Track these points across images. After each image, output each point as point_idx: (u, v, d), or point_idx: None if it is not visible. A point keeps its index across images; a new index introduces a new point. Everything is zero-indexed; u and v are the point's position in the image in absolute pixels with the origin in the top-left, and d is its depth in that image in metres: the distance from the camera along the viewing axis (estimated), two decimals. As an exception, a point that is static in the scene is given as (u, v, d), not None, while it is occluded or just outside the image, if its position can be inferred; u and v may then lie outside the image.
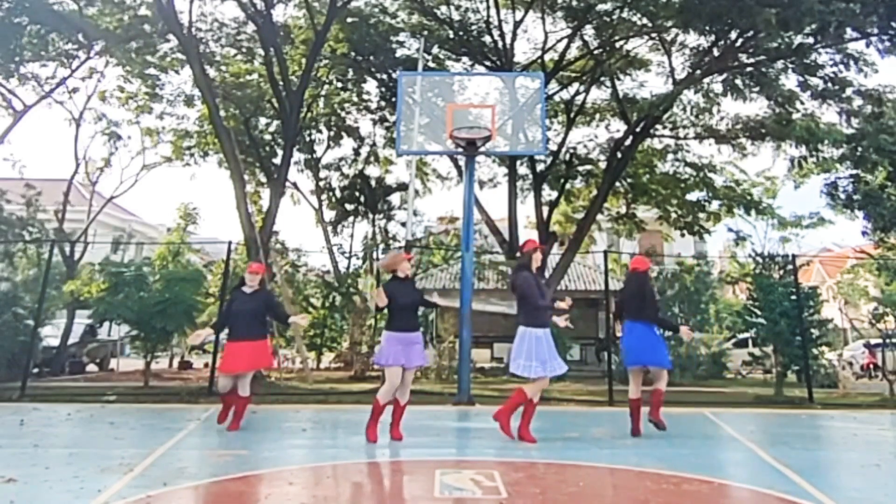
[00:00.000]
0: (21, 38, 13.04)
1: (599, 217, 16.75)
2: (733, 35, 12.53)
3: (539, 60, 15.55)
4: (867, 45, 12.46)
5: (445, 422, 7.60)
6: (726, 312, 20.09)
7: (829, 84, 13.26)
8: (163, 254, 14.54)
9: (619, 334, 6.69)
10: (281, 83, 13.60)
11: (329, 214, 20.29)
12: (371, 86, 17.67)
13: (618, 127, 16.65)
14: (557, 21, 15.21)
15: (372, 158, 20.18)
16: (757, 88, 13.41)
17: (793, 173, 14.73)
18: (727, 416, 8.18)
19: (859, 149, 12.61)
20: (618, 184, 16.11)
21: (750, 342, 14.06)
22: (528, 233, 18.42)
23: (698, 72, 13.77)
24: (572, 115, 16.20)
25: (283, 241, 17.59)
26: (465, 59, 16.49)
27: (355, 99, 18.40)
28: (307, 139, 18.86)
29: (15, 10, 12.56)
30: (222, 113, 14.29)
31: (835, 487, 4.42)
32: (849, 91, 13.32)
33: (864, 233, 13.57)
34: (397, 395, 5.81)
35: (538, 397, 6.01)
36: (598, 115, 17.16)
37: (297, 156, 18.72)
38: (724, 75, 13.62)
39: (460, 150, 9.66)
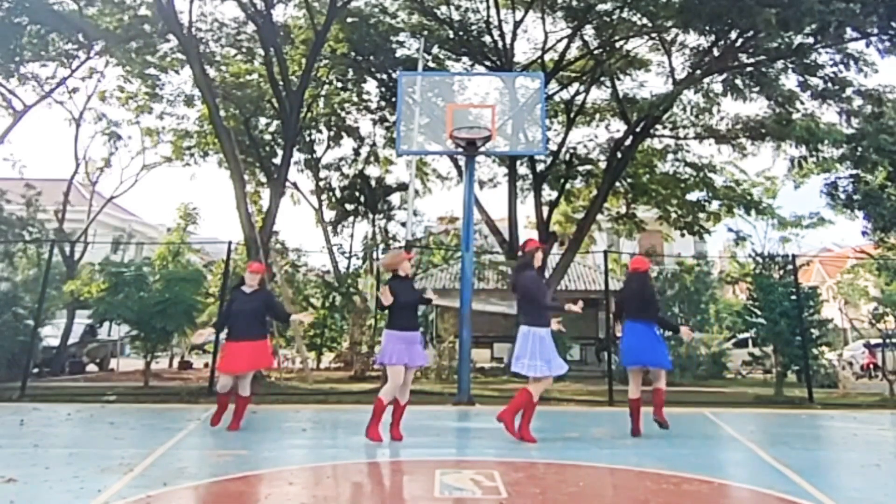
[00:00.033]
0: (21, 38, 13.04)
1: (599, 217, 16.76)
2: (733, 35, 12.53)
3: (539, 60, 15.54)
4: (867, 45, 12.47)
5: (445, 422, 7.60)
6: (726, 312, 20.09)
7: (829, 84, 13.26)
8: (163, 254, 14.57)
9: (618, 334, 6.69)
10: (281, 83, 13.61)
11: (329, 214, 20.32)
12: (371, 86, 17.71)
13: (618, 127, 16.69)
14: (557, 21, 15.21)
15: (372, 158, 20.17)
16: (757, 88, 13.41)
17: (793, 173, 14.73)
18: (727, 416, 8.18)
19: (859, 149, 12.62)
20: (618, 184, 16.11)
21: (750, 342, 14.06)
22: (528, 233, 18.42)
23: (698, 72, 13.77)
24: (572, 115, 16.20)
25: (283, 241, 17.63)
26: (465, 59, 16.49)
27: (355, 99, 18.39)
28: (307, 139, 18.85)
29: (15, 10, 12.57)
30: (222, 113, 14.29)
31: (835, 487, 4.42)
32: (849, 91, 13.33)
33: (864, 233, 13.59)
34: (398, 394, 5.80)
35: (538, 397, 6.01)
36: (598, 115, 17.15)
37: (297, 156, 18.71)
38: (724, 75, 13.63)
39: (460, 150, 9.66)
